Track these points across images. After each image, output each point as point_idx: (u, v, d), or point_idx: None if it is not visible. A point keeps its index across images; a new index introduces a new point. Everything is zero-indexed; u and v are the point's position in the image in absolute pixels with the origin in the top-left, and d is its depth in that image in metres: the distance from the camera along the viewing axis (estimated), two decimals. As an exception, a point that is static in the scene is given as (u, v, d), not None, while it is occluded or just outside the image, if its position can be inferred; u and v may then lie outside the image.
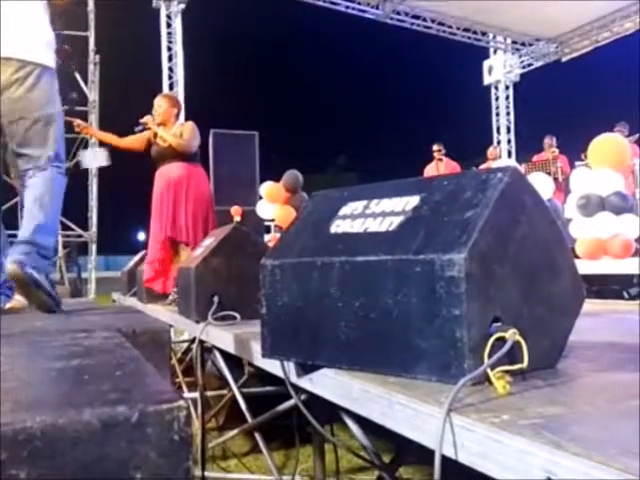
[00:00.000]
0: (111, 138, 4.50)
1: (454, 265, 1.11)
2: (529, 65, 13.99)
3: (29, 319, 2.10)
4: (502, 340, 1.10)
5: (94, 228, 7.22)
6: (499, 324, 1.13)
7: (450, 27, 12.22)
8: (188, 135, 4.30)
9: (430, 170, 9.30)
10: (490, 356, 1.08)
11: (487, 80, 14.29)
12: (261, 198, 9.67)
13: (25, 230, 2.47)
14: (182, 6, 9.84)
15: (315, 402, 1.59)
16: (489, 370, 1.07)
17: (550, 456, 0.74)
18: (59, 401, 0.67)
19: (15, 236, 2.62)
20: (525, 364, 1.10)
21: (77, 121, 4.46)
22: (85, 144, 7.83)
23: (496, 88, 14.23)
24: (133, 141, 4.45)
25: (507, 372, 1.08)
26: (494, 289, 1.15)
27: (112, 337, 1.26)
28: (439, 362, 1.13)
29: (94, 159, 5.79)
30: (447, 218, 1.23)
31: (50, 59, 2.69)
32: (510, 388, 1.05)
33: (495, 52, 14.00)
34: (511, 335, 1.10)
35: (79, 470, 0.56)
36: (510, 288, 1.19)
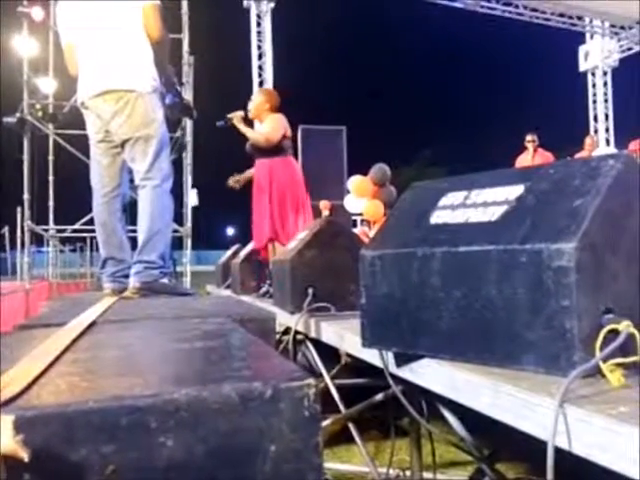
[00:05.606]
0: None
1: (563, 255, 1.08)
2: (629, 49, 13.27)
3: (145, 306, 2.23)
4: (614, 332, 1.07)
5: (189, 223, 7.43)
6: (611, 316, 1.10)
7: (544, 12, 11.78)
8: (266, 129, 4.21)
9: (522, 161, 8.97)
10: (602, 348, 1.05)
11: (583, 66, 13.68)
12: (349, 192, 9.68)
13: (138, 246, 2.90)
14: (272, 5, 10.03)
15: (409, 394, 1.59)
16: (601, 363, 1.04)
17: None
18: (197, 377, 0.72)
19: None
20: (641, 357, 1.06)
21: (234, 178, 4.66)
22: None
23: (593, 74, 13.59)
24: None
25: (620, 365, 1.05)
26: (606, 280, 1.12)
27: (225, 323, 1.32)
28: (547, 354, 1.11)
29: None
30: (555, 207, 1.20)
31: (145, 84, 2.91)
32: (625, 381, 1.02)
33: (592, 37, 13.36)
34: (625, 327, 1.07)
35: (219, 440, 0.61)
36: (623, 279, 1.15)
